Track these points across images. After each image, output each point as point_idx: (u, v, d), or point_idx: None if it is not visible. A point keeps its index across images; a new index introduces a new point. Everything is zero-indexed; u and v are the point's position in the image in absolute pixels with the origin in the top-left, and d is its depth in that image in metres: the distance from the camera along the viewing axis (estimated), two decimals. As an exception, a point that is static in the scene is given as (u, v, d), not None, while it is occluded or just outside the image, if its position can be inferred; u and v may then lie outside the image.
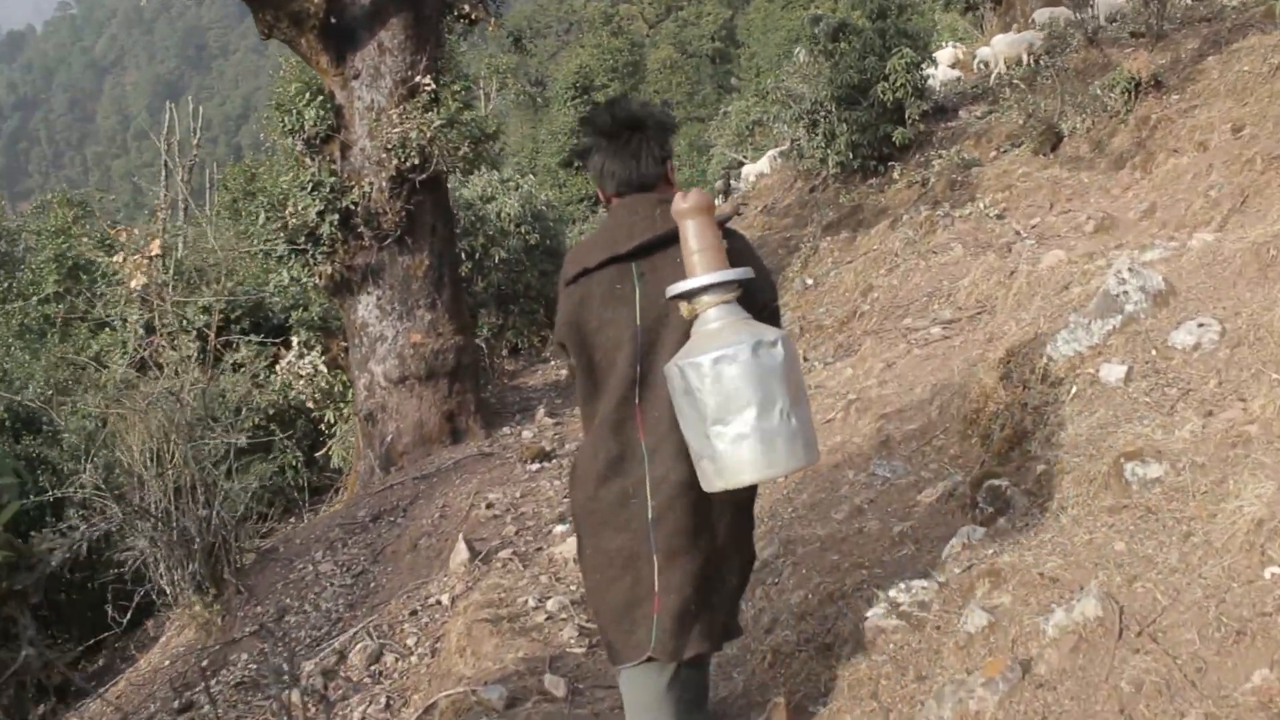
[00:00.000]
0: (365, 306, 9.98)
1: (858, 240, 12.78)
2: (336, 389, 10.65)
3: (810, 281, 11.75)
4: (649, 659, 2.68)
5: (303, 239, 9.69)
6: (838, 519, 4.46)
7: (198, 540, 7.88)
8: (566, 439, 9.32)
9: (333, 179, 9.61)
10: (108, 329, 11.19)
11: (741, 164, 30.50)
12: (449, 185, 11.16)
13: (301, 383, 10.26)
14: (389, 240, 9.77)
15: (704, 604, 2.67)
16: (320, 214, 9.49)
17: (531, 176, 17.09)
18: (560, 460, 8.63)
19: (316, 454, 12.76)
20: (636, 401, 2.65)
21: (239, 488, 7.92)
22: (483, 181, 15.99)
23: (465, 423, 10.18)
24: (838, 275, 11.47)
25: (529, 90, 41.50)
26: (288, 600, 7.76)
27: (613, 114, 2.82)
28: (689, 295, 2.50)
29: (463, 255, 13.65)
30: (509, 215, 15.29)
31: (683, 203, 2.51)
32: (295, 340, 10.50)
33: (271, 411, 11.70)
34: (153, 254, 6.68)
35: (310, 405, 10.64)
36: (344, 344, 10.41)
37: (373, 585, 7.68)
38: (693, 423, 2.45)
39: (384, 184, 9.62)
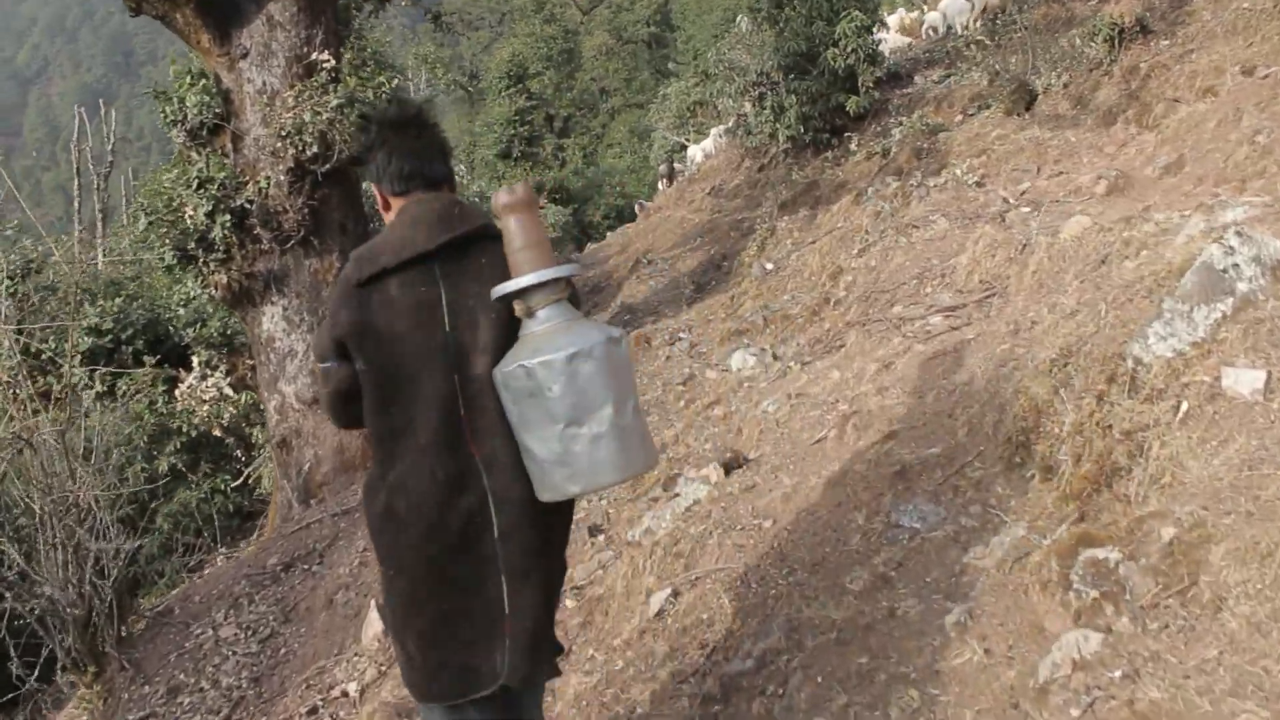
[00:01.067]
0: (270, 319, 8.67)
1: (818, 218, 11.63)
2: (246, 411, 9.32)
3: (770, 266, 10.58)
4: (485, 693, 2.49)
5: (192, 244, 8.36)
6: (855, 590, 3.29)
7: (67, 611, 6.56)
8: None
9: (223, 174, 8.28)
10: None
11: (684, 147, 29.37)
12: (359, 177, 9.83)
13: (205, 408, 8.94)
14: (292, 242, 8.46)
15: (548, 628, 2.55)
16: (210, 215, 8.16)
17: (462, 166, 15.68)
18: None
19: (249, 476, 11.45)
20: (462, 413, 2.45)
21: (117, 545, 6.60)
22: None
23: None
24: (800, 258, 10.32)
25: (460, 82, 39.96)
26: (181, 676, 6.46)
27: (400, 109, 2.66)
28: (520, 294, 2.34)
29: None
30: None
31: (506, 196, 2.38)
32: (196, 360, 9.19)
33: (193, 435, 10.43)
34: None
35: (217, 432, 9.32)
36: (251, 362, 9.10)
37: (282, 652, 6.42)
38: (540, 426, 2.28)
39: (282, 177, 8.30)
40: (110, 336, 9.32)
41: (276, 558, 7.54)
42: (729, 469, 4.76)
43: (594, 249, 24.49)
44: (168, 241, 8.28)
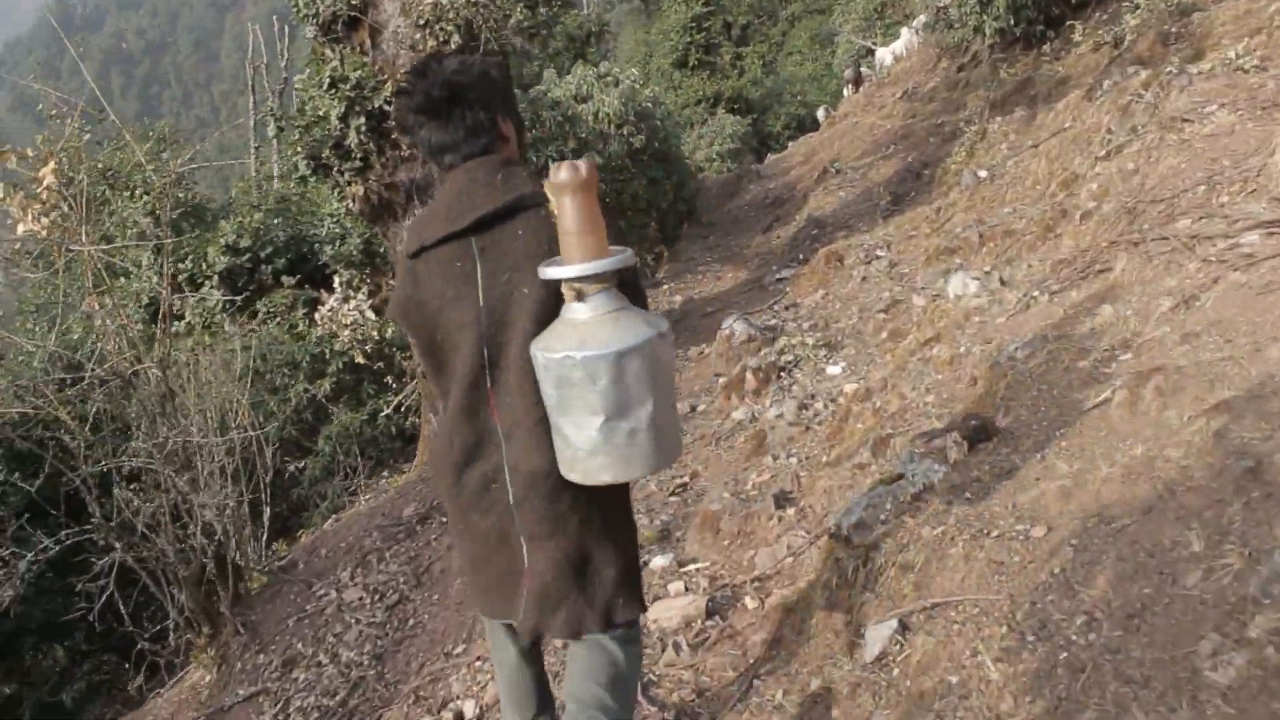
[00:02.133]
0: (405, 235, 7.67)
1: (1038, 118, 9.94)
2: (393, 337, 8.42)
3: (983, 174, 9.01)
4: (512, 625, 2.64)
5: (327, 152, 7.42)
6: (1220, 681, 1.99)
7: (181, 566, 5.78)
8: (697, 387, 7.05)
9: (359, 72, 7.26)
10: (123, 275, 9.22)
11: (872, 50, 27.31)
12: (520, 72, 8.72)
13: (347, 333, 8.07)
14: (435, 148, 7.40)
15: (568, 591, 2.48)
16: (343, 118, 7.18)
17: (634, 70, 14.41)
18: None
19: (399, 404, 10.69)
20: (488, 385, 2.43)
21: (222, 499, 5.76)
22: (575, 77, 13.48)
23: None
24: (1020, 164, 8.72)
25: (636, -11, 38.37)
26: (299, 645, 5.61)
27: (427, 86, 2.50)
28: (571, 280, 2.19)
29: (550, 164, 11.26)
30: (608, 115, 12.80)
31: (559, 174, 2.15)
32: (336, 281, 8.31)
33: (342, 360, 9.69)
34: (45, 185, 4.54)
35: (360, 359, 8.47)
36: (394, 282, 8.17)
37: (410, 624, 5.49)
38: (579, 415, 2.18)
39: (422, 74, 7.23)
40: (249, 255, 8.52)
41: (413, 507, 6.62)
42: (973, 441, 3.44)
43: (775, 159, 22.95)
44: (300, 149, 7.35)
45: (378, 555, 6.16)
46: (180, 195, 8.88)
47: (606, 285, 2.20)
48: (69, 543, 5.80)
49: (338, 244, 8.39)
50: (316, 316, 8.12)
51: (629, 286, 2.35)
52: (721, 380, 7.18)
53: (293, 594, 6.00)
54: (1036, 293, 5.07)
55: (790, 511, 4.49)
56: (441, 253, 2.44)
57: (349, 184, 7.51)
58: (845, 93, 23.78)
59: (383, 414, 11.84)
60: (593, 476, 2.25)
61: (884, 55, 22.59)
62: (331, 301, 8.15)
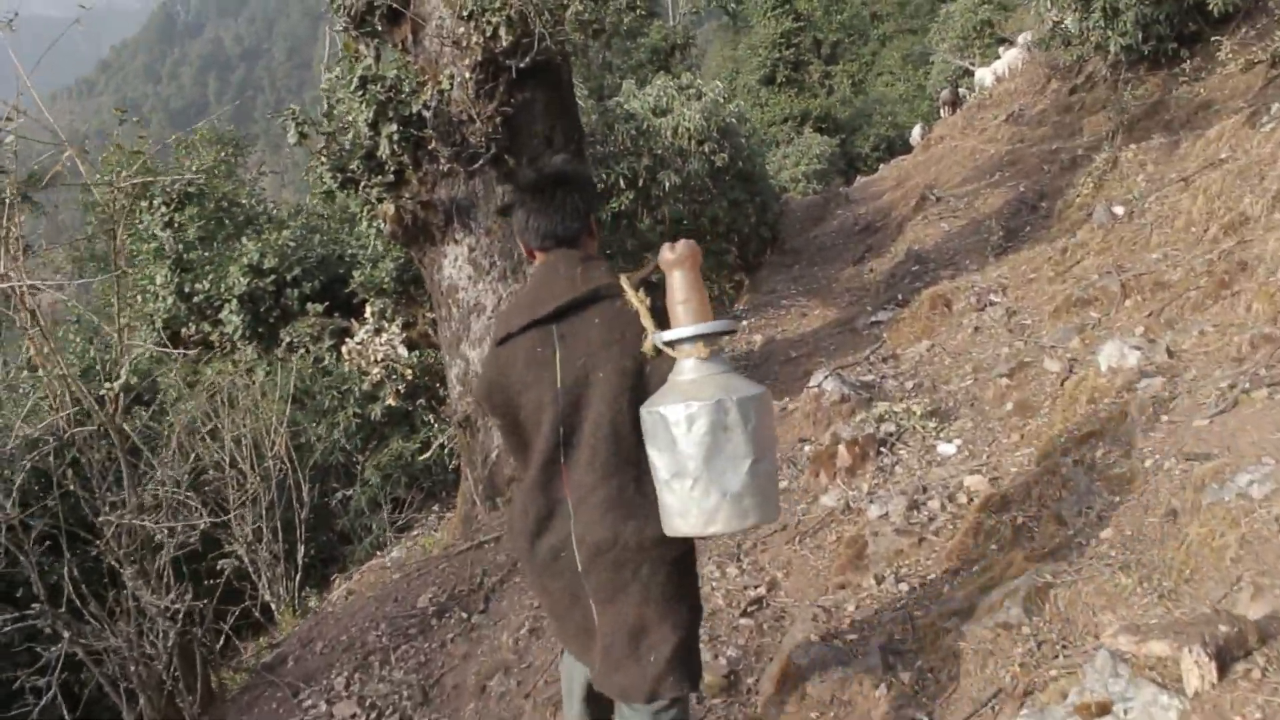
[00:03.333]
0: (453, 262, 6.57)
1: (1183, 147, 8.57)
2: (430, 368, 7.29)
3: (1119, 210, 7.67)
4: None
5: (355, 164, 6.34)
6: None
7: (139, 665, 4.70)
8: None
9: (394, 72, 6.18)
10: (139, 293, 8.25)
11: (969, 72, 25.82)
12: (601, 84, 7.66)
13: (377, 370, 6.98)
14: (480, 161, 6.30)
15: (623, 659, 2.56)
16: (373, 125, 6.09)
17: (718, 83, 13.23)
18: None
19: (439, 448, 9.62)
20: (561, 461, 2.56)
21: (172, 599, 4.65)
22: (655, 89, 12.33)
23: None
24: (1167, 200, 7.38)
25: (722, 2, 37.07)
26: (273, 778, 4.49)
27: (538, 171, 2.77)
28: (675, 344, 2.36)
29: (622, 183, 10.09)
30: (688, 130, 11.62)
31: (669, 254, 2.40)
32: (369, 310, 7.22)
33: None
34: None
35: (393, 402, 7.39)
36: (431, 315, 7.08)
37: (409, 760, 4.34)
38: (671, 468, 2.28)
39: (467, 75, 6.12)
40: (273, 277, 7.48)
41: (430, 594, 5.48)
42: (1223, 659, 2.16)
43: (864, 182, 21.61)
44: (324, 159, 6.28)
45: (381, 656, 5.02)
46: (220, 204, 7.85)
47: (720, 348, 2.34)
48: (8, 629, 4.75)
49: (369, 269, 7.29)
50: (344, 350, 7.05)
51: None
52: (808, 449, 5.95)
53: (274, 702, 4.87)
54: (1245, 384, 3.75)
55: (905, 676, 3.25)
56: (525, 339, 2.59)
57: (379, 200, 6.43)
58: (941, 113, 22.34)
59: (437, 442, 10.82)
60: (683, 529, 2.31)
61: (984, 75, 21.14)
62: (361, 333, 7.08)
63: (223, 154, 13.01)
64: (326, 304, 7.31)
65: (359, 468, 10.57)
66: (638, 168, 10.09)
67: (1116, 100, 12.12)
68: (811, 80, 35.27)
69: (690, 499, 2.25)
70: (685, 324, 2.31)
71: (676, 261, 2.35)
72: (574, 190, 2.68)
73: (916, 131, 23.54)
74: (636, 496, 2.49)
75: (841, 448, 5.59)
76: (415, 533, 9.41)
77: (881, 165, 25.40)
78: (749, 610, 4.26)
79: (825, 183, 23.42)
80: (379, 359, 6.93)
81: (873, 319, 8.53)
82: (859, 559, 4.30)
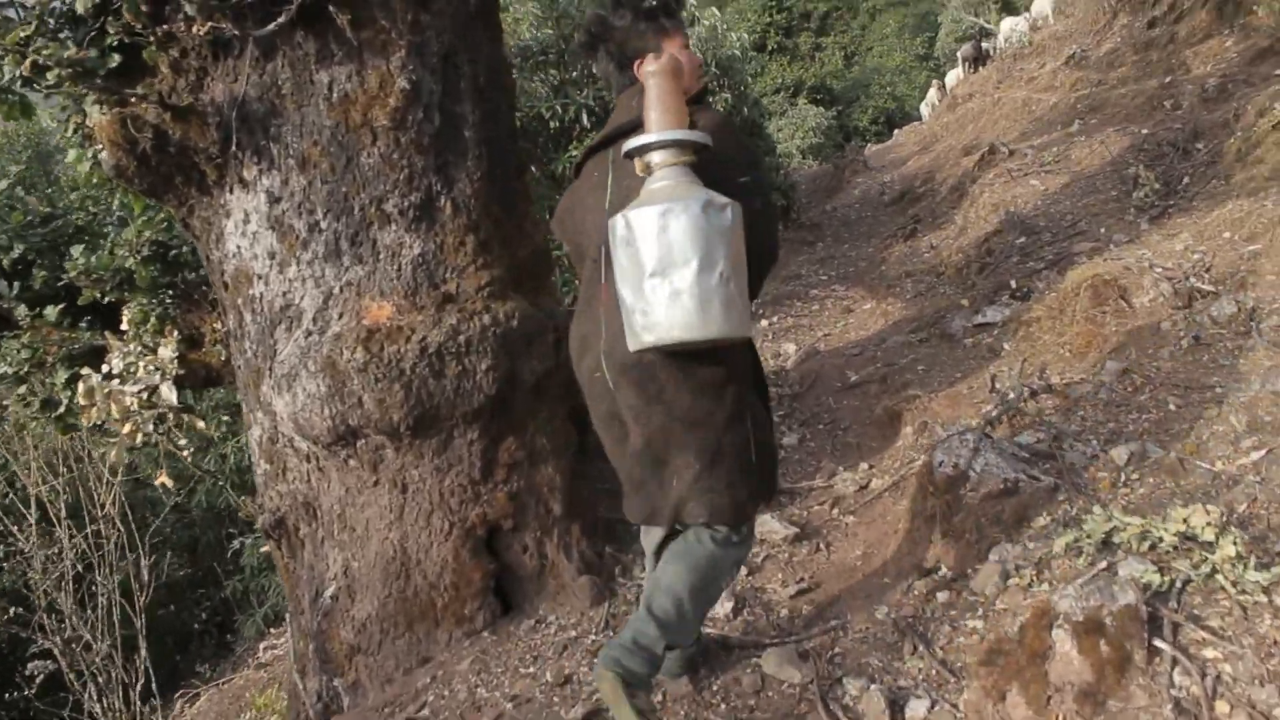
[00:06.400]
0: (239, 225, 3.34)
1: None
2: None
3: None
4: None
5: (40, 40, 3.09)
6: None
7: None
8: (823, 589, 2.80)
9: None
10: None
11: (984, 29, 22.61)
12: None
13: (128, 426, 3.73)
14: (280, 20, 3.06)
15: (647, 478, 2.46)
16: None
17: (715, 10, 9.93)
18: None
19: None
20: (602, 281, 2.46)
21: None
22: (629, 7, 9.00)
23: (530, 552, 3.49)
24: None
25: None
26: None
27: (581, 32, 2.67)
28: (641, 152, 2.29)
29: (585, 119, 6.79)
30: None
31: (647, 66, 2.34)
32: (126, 319, 3.94)
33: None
34: None
35: (164, 482, 4.18)
36: (221, 326, 3.78)
37: None
38: (629, 275, 2.25)
39: None
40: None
41: None
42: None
43: (879, 148, 18.35)
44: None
45: None
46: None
47: (678, 160, 2.24)
48: None
49: (107, 242, 3.91)
50: (80, 389, 3.78)
51: (758, 213, 2.38)
52: (959, 623, 2.75)
53: None
54: None
55: None
56: (590, 164, 2.60)
57: (95, 104, 3.17)
58: (959, 73, 19.10)
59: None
60: (637, 339, 2.25)
61: (1011, 27, 17.91)
62: (117, 360, 3.84)
63: None
64: (61, 306, 4.01)
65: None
66: (609, 98, 6.82)
67: (1209, 27, 9.08)
68: (803, 51, 32.02)
69: (648, 303, 2.18)
70: (655, 131, 2.26)
71: (654, 72, 2.30)
72: (615, 37, 2.55)
73: (932, 95, 20.26)
74: None
75: (1062, 638, 2.38)
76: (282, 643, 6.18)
77: (881, 139, 22.20)
78: None
79: (821, 158, 20.15)
80: (131, 405, 3.68)
81: (978, 319, 5.29)
82: None
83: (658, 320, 2.18)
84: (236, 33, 3.02)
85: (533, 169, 7.05)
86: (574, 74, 6.95)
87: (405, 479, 3.28)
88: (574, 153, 6.71)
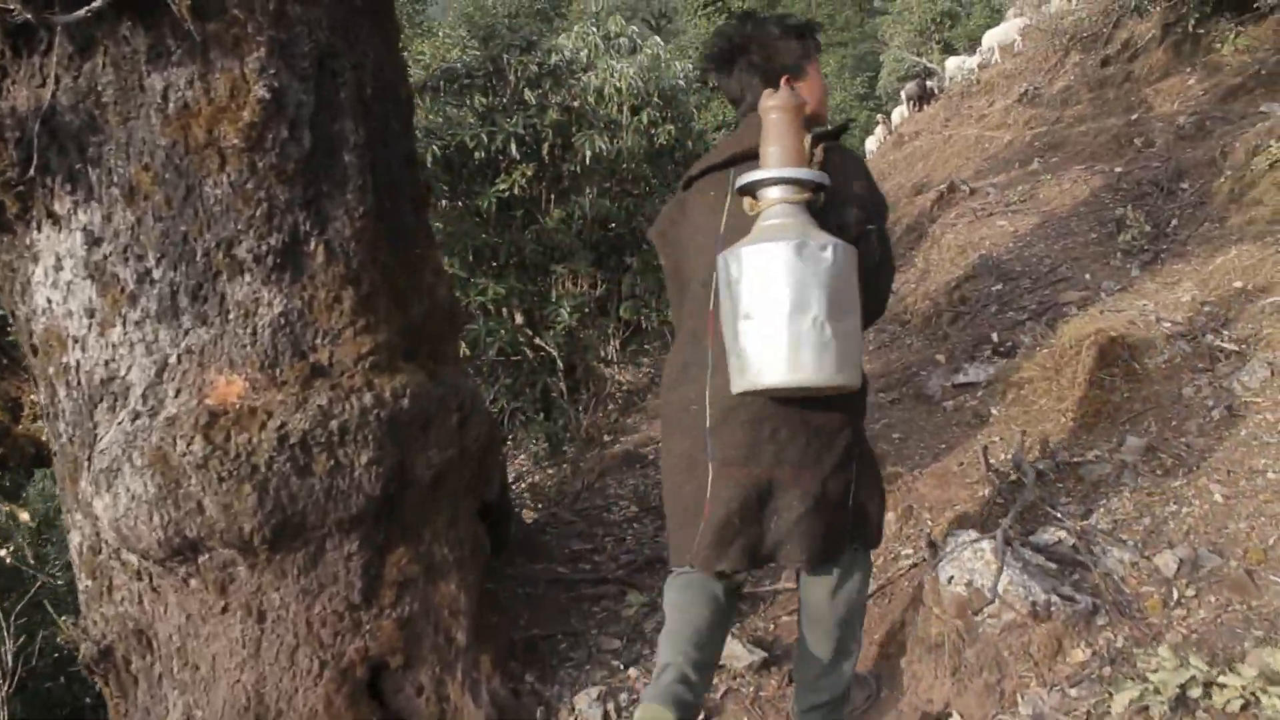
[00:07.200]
0: (49, 272, 2.57)
1: None
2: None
3: None
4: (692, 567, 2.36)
5: None
6: None
7: None
8: None
9: None
10: None
11: (927, 68, 22.34)
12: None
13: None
14: (94, 3, 2.31)
15: (748, 521, 2.26)
16: None
17: (657, 38, 9.30)
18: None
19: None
20: (710, 309, 2.29)
21: None
22: (572, 37, 8.33)
23: (427, 695, 2.72)
24: None
25: (650, 20, 33.32)
26: None
27: (716, 39, 2.46)
28: (754, 189, 2.19)
29: (514, 149, 6.08)
30: (618, 91, 7.70)
31: (768, 100, 2.20)
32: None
33: None
34: None
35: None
36: (37, 398, 2.97)
37: None
38: (728, 316, 2.14)
39: None
40: None
41: None
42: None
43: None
44: None
45: None
46: None
47: (790, 199, 2.14)
48: None
49: None
50: None
51: (866, 236, 2.24)
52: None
53: None
54: None
55: None
56: (704, 182, 2.42)
57: None
58: (903, 111, 18.75)
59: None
60: (734, 382, 2.14)
61: (956, 65, 17.61)
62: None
63: None
64: None
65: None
66: (541, 125, 6.11)
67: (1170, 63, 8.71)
68: (743, 88, 31.75)
69: (742, 346, 2.07)
70: (769, 168, 2.15)
71: (775, 107, 2.18)
72: (753, 55, 2.39)
73: (879, 131, 19.89)
74: None
75: None
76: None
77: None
78: None
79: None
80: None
81: (958, 377, 4.64)
82: None
83: (749, 364, 2.07)
84: (30, 17, 2.26)
85: (458, 202, 6.31)
86: (504, 100, 6.24)
87: (263, 604, 2.51)
88: (501, 187, 5.98)
